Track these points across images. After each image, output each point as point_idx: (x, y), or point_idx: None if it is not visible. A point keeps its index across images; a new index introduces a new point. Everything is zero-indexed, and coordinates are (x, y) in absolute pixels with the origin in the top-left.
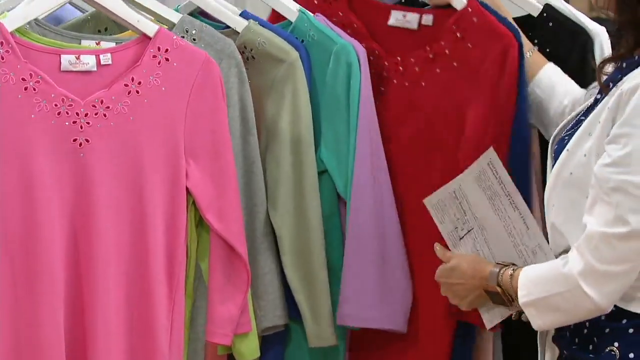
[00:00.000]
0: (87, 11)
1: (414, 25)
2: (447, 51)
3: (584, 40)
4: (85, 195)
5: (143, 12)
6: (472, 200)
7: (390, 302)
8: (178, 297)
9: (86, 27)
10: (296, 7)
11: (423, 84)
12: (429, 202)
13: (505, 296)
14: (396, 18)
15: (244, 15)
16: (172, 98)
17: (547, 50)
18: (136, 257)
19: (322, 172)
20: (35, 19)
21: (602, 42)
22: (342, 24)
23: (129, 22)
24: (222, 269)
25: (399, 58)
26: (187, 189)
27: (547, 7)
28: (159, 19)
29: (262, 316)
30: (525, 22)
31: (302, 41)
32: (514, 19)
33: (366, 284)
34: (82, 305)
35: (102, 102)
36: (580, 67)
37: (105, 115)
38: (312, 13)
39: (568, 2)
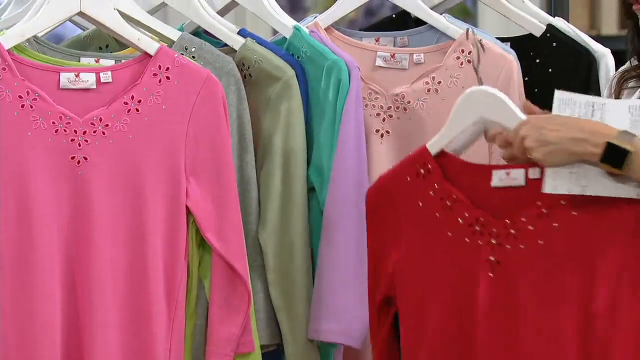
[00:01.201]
0: (87, 28)
1: (522, 182)
2: (562, 202)
3: (589, 61)
4: (83, 213)
5: (142, 30)
6: (609, 118)
7: (345, 317)
8: (177, 316)
9: (87, 44)
10: (291, 23)
11: (540, 242)
12: (559, 94)
13: (629, 160)
14: (499, 178)
15: (242, 33)
16: (172, 116)
17: (550, 70)
18: (135, 276)
19: (312, 190)
20: (35, 37)
21: (608, 64)
22: (440, 197)
23: (130, 40)
24: (223, 288)
25: (507, 221)
26: (187, 207)
27: (550, 27)
28: (158, 36)
29: None
30: (528, 41)
31: (298, 57)
32: (515, 38)
33: (322, 297)
34: (79, 324)
35: (100, 119)
36: (584, 89)
37: (104, 133)
38: (409, 193)
39: (568, 21)
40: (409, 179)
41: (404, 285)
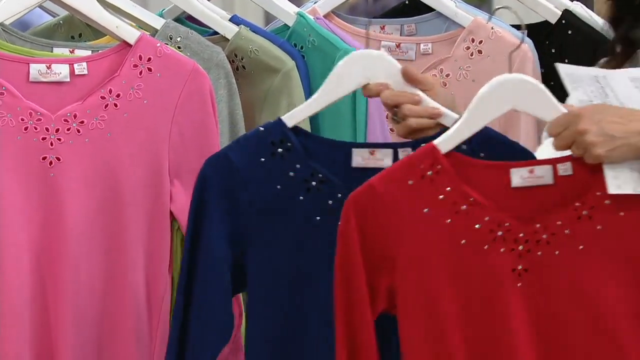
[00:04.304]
0: (57, 15)
1: (550, 180)
2: (607, 201)
3: (606, 50)
4: (56, 219)
5: (122, 18)
6: (622, 95)
7: None
8: (160, 334)
9: (58, 32)
10: (294, 9)
11: (581, 247)
12: (563, 68)
13: None
14: (521, 177)
15: (235, 20)
16: (155, 112)
17: (566, 60)
18: (112, 289)
19: None
20: (2, 25)
21: None
22: (453, 201)
23: (107, 27)
24: None
25: (537, 225)
26: (171, 213)
27: (566, 14)
28: (139, 24)
29: None
30: (542, 29)
31: (302, 47)
32: (530, 25)
33: None
34: (51, 341)
35: (75, 116)
36: None
37: (78, 130)
38: (409, 200)
39: (592, 6)
40: (410, 182)
41: (410, 302)
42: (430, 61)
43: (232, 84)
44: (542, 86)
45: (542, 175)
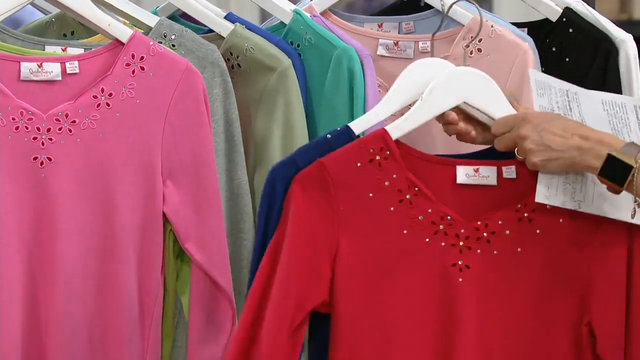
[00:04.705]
0: (49, 12)
1: (493, 181)
2: (549, 206)
3: (608, 49)
4: (47, 220)
5: (115, 15)
6: (587, 113)
7: None
8: (153, 337)
9: (50, 30)
10: (290, 7)
11: (519, 249)
12: (534, 74)
13: (632, 176)
14: (466, 174)
15: (230, 18)
16: (147, 112)
17: (567, 60)
18: (105, 292)
19: None
20: None
21: (628, 51)
22: (398, 189)
23: (99, 25)
24: (203, 304)
25: (479, 223)
26: (164, 214)
27: (567, 11)
28: (133, 22)
29: None
30: (543, 27)
31: (298, 45)
32: (530, 23)
33: None
34: (43, 345)
35: (67, 115)
36: (602, 79)
37: (70, 130)
38: (356, 182)
39: (594, 4)
40: (359, 164)
41: (349, 290)
42: None
43: (228, 83)
44: (494, 83)
45: (487, 175)
